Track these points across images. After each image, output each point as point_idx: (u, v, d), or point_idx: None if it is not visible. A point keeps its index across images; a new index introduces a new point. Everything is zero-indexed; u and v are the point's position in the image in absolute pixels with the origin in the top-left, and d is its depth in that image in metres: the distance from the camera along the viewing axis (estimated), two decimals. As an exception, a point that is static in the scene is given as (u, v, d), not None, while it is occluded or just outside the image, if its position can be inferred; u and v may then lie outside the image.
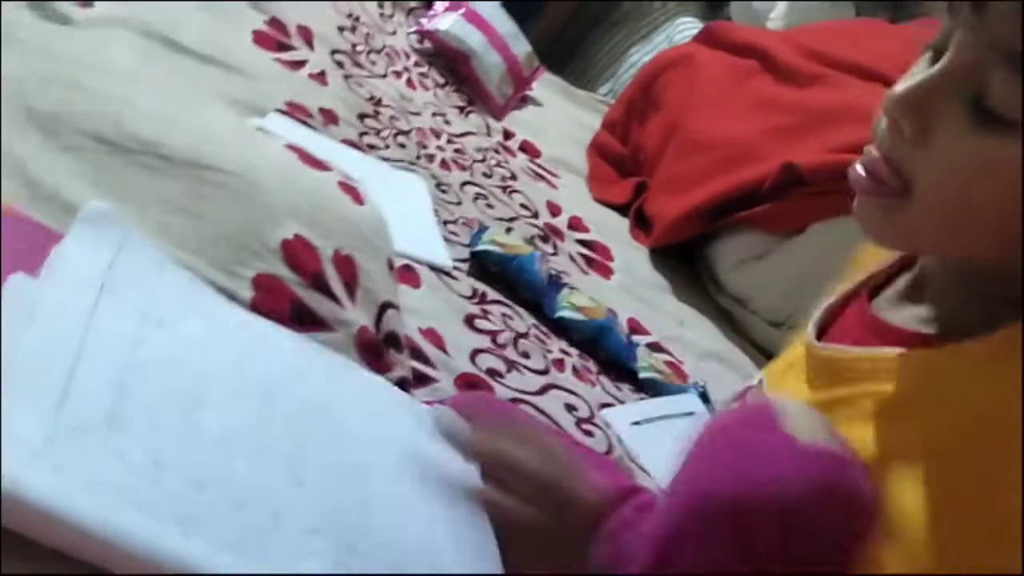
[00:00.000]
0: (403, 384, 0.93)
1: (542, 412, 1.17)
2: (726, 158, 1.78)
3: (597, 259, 1.71)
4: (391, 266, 1.01)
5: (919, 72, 0.62)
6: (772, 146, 1.73)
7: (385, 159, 1.51)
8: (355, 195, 0.98)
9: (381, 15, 1.92)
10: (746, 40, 1.99)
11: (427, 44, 1.93)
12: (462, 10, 1.93)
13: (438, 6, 1.97)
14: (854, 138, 1.69)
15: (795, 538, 0.58)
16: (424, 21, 1.94)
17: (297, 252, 0.85)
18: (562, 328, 1.38)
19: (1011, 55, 0.56)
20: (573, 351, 1.36)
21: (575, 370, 1.32)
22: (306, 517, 0.59)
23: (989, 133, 0.57)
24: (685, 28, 2.34)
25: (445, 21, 1.91)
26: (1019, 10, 0.55)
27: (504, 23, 1.98)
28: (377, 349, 0.88)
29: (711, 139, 1.83)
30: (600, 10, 2.72)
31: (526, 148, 1.90)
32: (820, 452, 0.59)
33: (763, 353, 1.75)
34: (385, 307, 0.94)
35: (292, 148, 0.95)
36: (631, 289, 1.69)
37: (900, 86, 0.61)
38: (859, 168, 0.65)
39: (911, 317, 0.69)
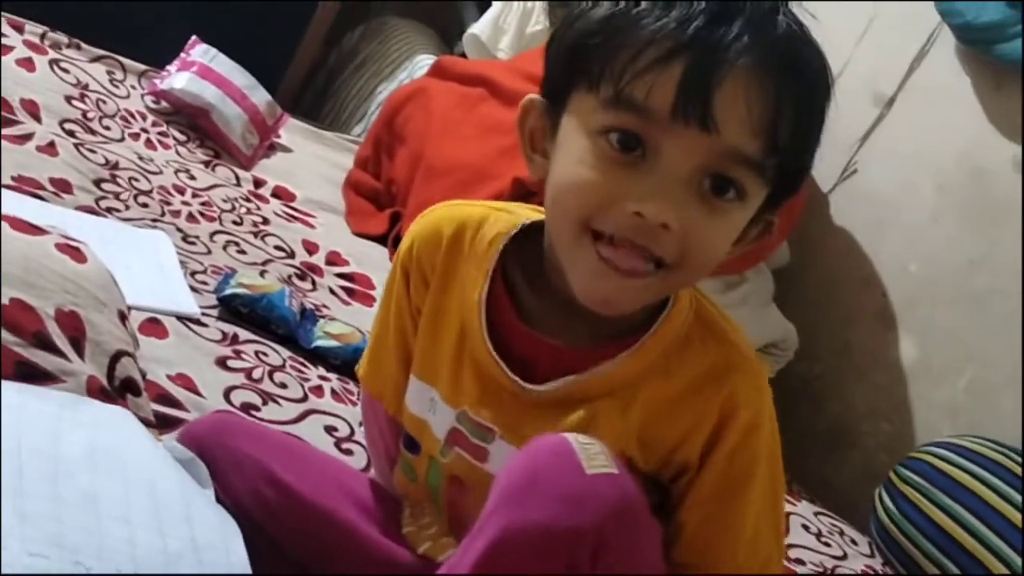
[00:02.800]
0: (144, 424, 0.98)
1: (300, 438, 1.24)
2: (465, 180, 1.92)
3: (358, 289, 1.79)
4: (123, 317, 1.05)
5: (614, 163, 0.73)
6: (503, 164, 1.88)
7: (127, 220, 1.54)
8: (76, 254, 1.03)
9: (111, 80, 1.94)
10: (472, 71, 2.14)
11: (164, 104, 1.96)
12: (194, 68, 1.98)
13: (170, 67, 2.00)
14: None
15: (604, 555, 0.69)
16: (157, 82, 1.97)
17: (14, 315, 0.89)
18: (320, 356, 1.46)
19: (743, 158, 0.74)
20: (332, 376, 1.43)
21: (334, 393, 1.39)
22: (28, 543, 0.64)
23: (728, 206, 0.75)
24: (424, 64, 2.47)
25: (179, 80, 1.95)
26: (746, 125, 0.73)
27: (239, 76, 2.04)
28: (109, 395, 0.93)
29: (450, 164, 1.96)
30: (344, 55, 2.82)
31: (279, 193, 1.97)
32: (612, 479, 0.71)
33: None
34: (118, 356, 0.99)
35: (4, 217, 0.98)
36: (395, 313, 1.78)
37: (652, 206, 0.72)
38: (621, 257, 0.75)
39: (583, 334, 0.84)
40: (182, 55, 2.04)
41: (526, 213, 0.88)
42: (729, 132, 0.72)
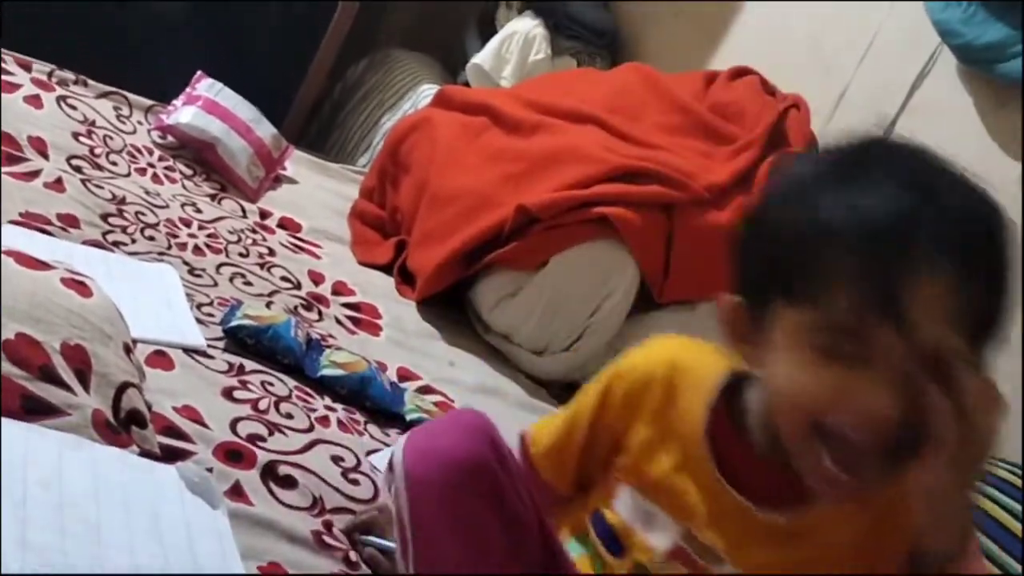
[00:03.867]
0: (150, 456, 0.98)
1: (308, 469, 1.24)
2: (469, 208, 1.93)
3: (364, 319, 1.79)
4: (128, 350, 1.06)
5: (830, 370, 0.77)
6: (506, 192, 1.89)
7: (133, 253, 1.56)
8: (82, 288, 1.04)
9: (118, 116, 1.96)
10: (475, 99, 2.15)
11: (170, 139, 1.98)
12: (200, 103, 2.00)
13: (176, 102, 2.02)
14: (574, 176, 1.88)
15: None
16: (163, 117, 1.99)
17: (20, 349, 0.90)
18: (326, 386, 1.46)
19: (949, 347, 0.75)
20: (338, 406, 1.43)
21: (340, 423, 1.39)
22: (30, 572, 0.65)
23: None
24: (428, 93, 2.49)
25: (184, 115, 1.97)
26: (945, 317, 0.75)
27: (245, 109, 2.06)
28: (114, 428, 0.93)
29: (454, 192, 1.97)
30: (349, 86, 2.85)
31: (285, 224, 1.98)
32: None
33: (532, 380, 1.89)
34: (124, 388, 0.99)
35: (9, 252, 0.99)
36: (401, 342, 1.78)
37: (876, 404, 0.75)
38: (849, 467, 0.78)
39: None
40: (188, 89, 2.06)
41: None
42: (930, 327, 0.74)
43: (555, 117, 2.01)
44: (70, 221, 1.53)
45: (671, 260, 1.90)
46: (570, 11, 2.60)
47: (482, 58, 2.54)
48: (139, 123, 2.01)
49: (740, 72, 2.23)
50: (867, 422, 0.76)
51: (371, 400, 1.47)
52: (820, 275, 0.77)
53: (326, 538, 1.13)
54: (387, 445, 1.41)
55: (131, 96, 2.05)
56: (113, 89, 2.04)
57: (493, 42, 2.57)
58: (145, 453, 0.97)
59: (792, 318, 0.79)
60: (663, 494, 0.92)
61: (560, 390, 1.93)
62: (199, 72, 2.12)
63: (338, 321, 1.72)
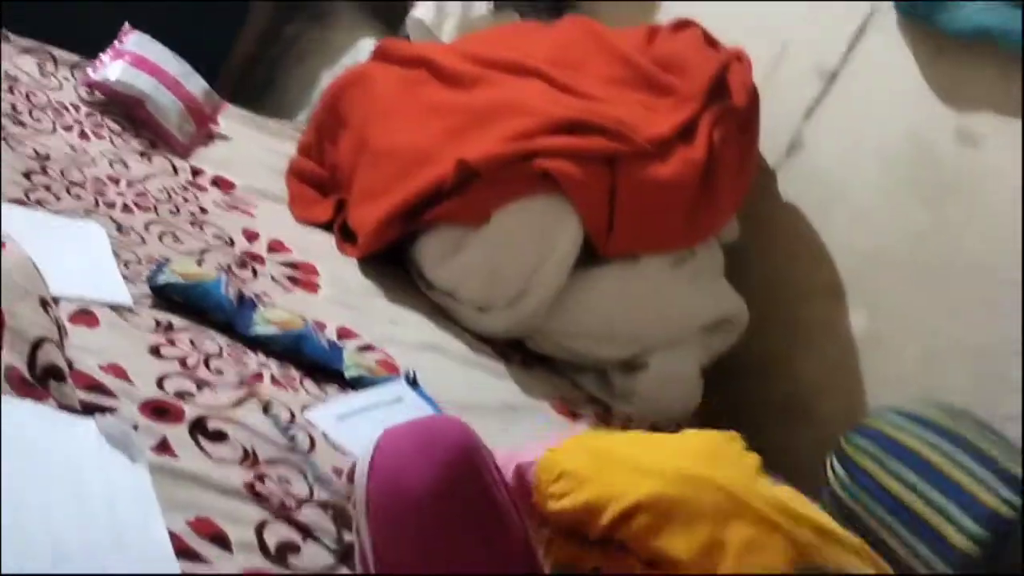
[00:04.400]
0: (70, 411, 0.95)
1: (240, 423, 1.22)
2: (409, 163, 1.89)
3: (302, 277, 1.76)
4: (46, 304, 1.02)
5: None
6: (446, 146, 1.86)
7: (58, 211, 1.50)
8: (-7, 241, 0.99)
9: (42, 72, 1.89)
10: (414, 53, 2.11)
11: (97, 95, 1.91)
12: (128, 57, 1.93)
13: (104, 57, 1.95)
14: (514, 129, 1.85)
15: None
16: (90, 72, 1.92)
17: (-75, 304, 0.86)
18: (260, 344, 1.43)
19: None
20: (272, 363, 1.41)
21: (275, 380, 1.37)
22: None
23: None
24: (368, 48, 2.43)
25: (113, 70, 1.90)
26: None
27: (174, 64, 2.00)
28: (29, 383, 0.90)
29: (394, 148, 1.93)
30: (287, 41, 2.78)
31: (219, 183, 1.93)
32: None
33: (476, 337, 1.87)
34: (39, 343, 0.96)
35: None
36: (341, 300, 1.75)
37: None
38: None
39: None
40: (115, 43, 1.99)
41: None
42: None
43: (496, 70, 1.98)
44: (-11, 178, 1.47)
45: (614, 213, 1.89)
46: (512, -35, 2.55)
47: (423, 11, 2.49)
48: (65, 79, 1.94)
49: (682, 25, 2.21)
50: None
51: (308, 357, 1.45)
52: None
53: (258, 487, 1.11)
54: (323, 401, 1.39)
55: (56, 52, 1.98)
56: (37, 44, 1.96)
57: (434, -5, 2.52)
58: (65, 408, 0.94)
59: None
60: None
61: (505, 346, 1.92)
62: (126, 25, 2.05)
63: (274, 279, 1.69)
